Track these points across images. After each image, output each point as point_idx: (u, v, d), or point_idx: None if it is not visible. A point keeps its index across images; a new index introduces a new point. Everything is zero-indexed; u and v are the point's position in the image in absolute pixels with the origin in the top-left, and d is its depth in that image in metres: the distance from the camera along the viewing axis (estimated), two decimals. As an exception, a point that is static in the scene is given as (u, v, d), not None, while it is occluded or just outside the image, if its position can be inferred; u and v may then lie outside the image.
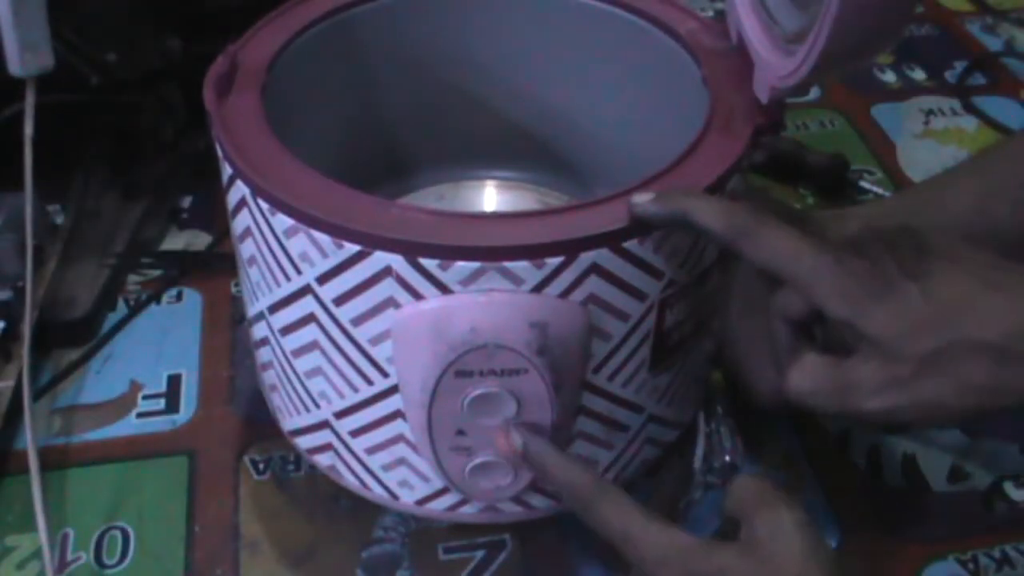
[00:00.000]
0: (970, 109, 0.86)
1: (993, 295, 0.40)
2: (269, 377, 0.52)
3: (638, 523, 0.41)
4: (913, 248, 0.42)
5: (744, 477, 0.42)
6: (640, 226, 0.41)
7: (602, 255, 0.41)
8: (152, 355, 0.64)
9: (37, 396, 0.61)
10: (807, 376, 0.43)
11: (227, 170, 0.45)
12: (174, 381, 0.62)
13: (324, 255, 0.42)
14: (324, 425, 0.49)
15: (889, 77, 0.91)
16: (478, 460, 0.46)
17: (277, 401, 0.52)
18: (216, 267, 0.70)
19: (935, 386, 0.40)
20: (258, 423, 0.59)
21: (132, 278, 0.70)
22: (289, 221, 0.42)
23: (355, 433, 0.48)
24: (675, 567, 0.40)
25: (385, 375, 0.44)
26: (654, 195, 0.41)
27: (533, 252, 0.40)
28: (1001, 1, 1.01)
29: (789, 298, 0.43)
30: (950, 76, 0.91)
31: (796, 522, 0.39)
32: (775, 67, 0.45)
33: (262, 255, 0.45)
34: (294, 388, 0.49)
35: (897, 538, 0.55)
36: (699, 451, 0.57)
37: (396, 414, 0.46)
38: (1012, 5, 1.00)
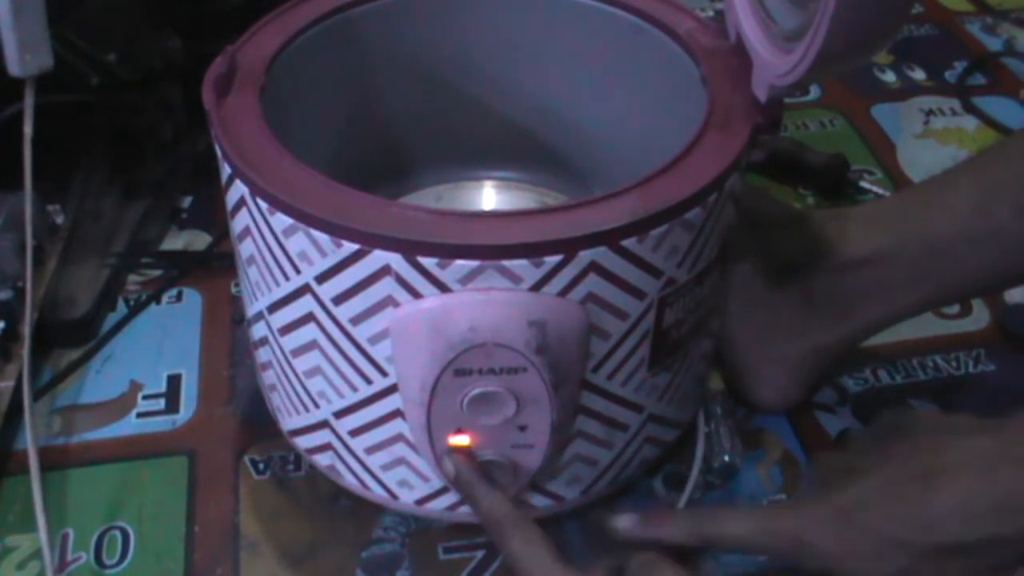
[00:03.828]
0: (970, 109, 0.86)
1: (931, 496, 0.41)
2: (268, 377, 0.52)
3: (543, 564, 0.42)
4: (855, 470, 0.44)
5: (643, 555, 0.44)
6: (638, 225, 0.41)
7: (601, 253, 0.41)
8: (152, 355, 0.64)
9: (37, 396, 0.61)
10: None
11: (226, 170, 0.45)
12: (174, 381, 0.62)
13: (323, 254, 0.42)
14: (323, 425, 0.49)
15: (889, 77, 0.91)
16: (477, 459, 0.46)
17: (276, 401, 0.52)
18: (216, 267, 0.70)
19: None
20: (258, 423, 0.59)
21: (132, 278, 0.70)
22: (288, 220, 0.42)
23: (354, 433, 0.48)
24: None
25: (384, 374, 0.44)
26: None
27: (532, 250, 0.40)
28: (1001, 1, 1.01)
29: None
30: (950, 76, 0.91)
31: None
32: (773, 66, 0.45)
33: (261, 255, 0.45)
34: (293, 388, 0.49)
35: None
36: (699, 451, 0.57)
37: (395, 413, 0.46)
38: (1012, 5, 1.00)
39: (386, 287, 0.41)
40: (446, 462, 0.46)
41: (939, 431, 0.45)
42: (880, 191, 0.77)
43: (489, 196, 0.65)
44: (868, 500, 0.43)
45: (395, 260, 0.40)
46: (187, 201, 0.76)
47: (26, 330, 0.57)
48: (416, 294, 0.41)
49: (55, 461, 0.57)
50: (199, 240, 0.73)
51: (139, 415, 0.61)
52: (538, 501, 0.50)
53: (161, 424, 0.60)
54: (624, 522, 0.47)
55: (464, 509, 0.49)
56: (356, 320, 0.43)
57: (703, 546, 0.47)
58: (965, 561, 0.41)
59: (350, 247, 0.41)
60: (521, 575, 0.43)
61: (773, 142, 0.78)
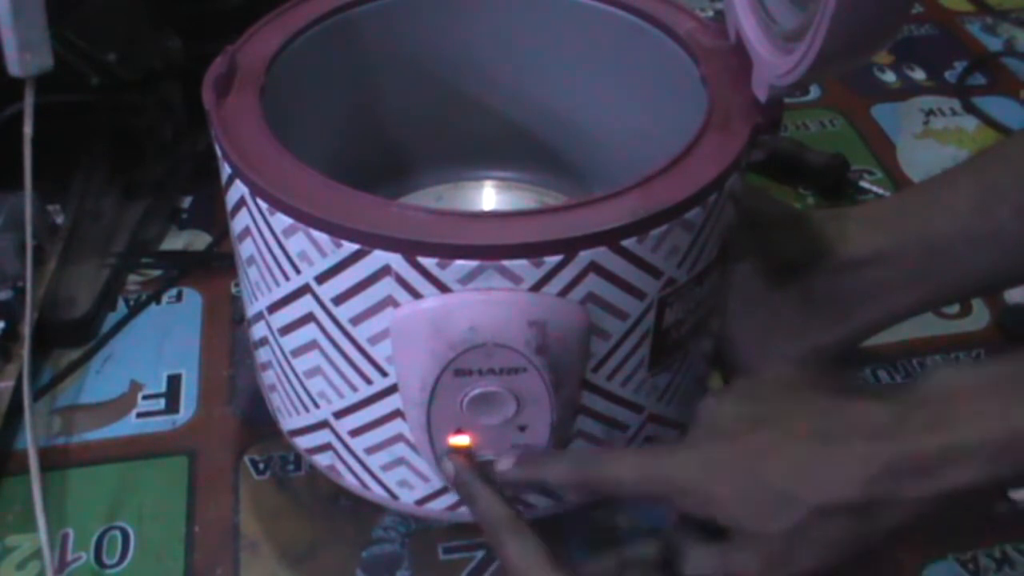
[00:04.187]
0: (970, 109, 0.86)
1: (826, 455, 0.41)
2: (268, 377, 0.52)
3: (537, 567, 0.42)
4: (748, 419, 0.43)
5: None
6: (638, 225, 0.41)
7: (601, 253, 0.41)
8: (152, 355, 0.64)
9: (37, 396, 0.61)
10: (694, 566, 0.44)
11: (226, 170, 0.45)
12: (174, 381, 0.62)
13: (323, 254, 0.42)
14: (323, 425, 0.49)
15: (889, 77, 0.91)
16: (477, 460, 0.46)
17: (276, 401, 0.52)
18: (216, 267, 0.70)
19: (811, 555, 0.41)
20: (258, 423, 0.59)
21: (132, 278, 0.70)
22: (288, 220, 0.42)
23: (354, 433, 0.48)
24: None
25: (384, 374, 0.44)
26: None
27: (532, 251, 0.40)
28: (1001, 1, 1.01)
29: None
30: (950, 76, 0.91)
31: None
32: (773, 66, 0.45)
33: (261, 255, 0.45)
34: (293, 388, 0.49)
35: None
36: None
37: (395, 413, 0.46)
38: (1012, 5, 1.00)
39: (386, 287, 0.41)
40: (445, 462, 0.46)
41: (836, 393, 0.44)
42: (880, 191, 0.77)
43: (489, 196, 0.65)
44: (764, 452, 0.42)
45: (395, 260, 0.40)
46: (187, 201, 0.76)
47: (26, 330, 0.58)
48: (416, 294, 0.41)
49: (55, 461, 0.57)
50: (199, 240, 0.73)
51: (139, 415, 0.61)
52: (538, 501, 0.50)
53: (161, 424, 0.60)
54: (503, 464, 0.46)
55: (464, 509, 0.49)
56: (356, 320, 0.43)
57: (587, 490, 0.46)
58: (859, 522, 0.40)
59: (350, 247, 0.41)
60: None
61: (773, 142, 0.78)
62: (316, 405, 0.48)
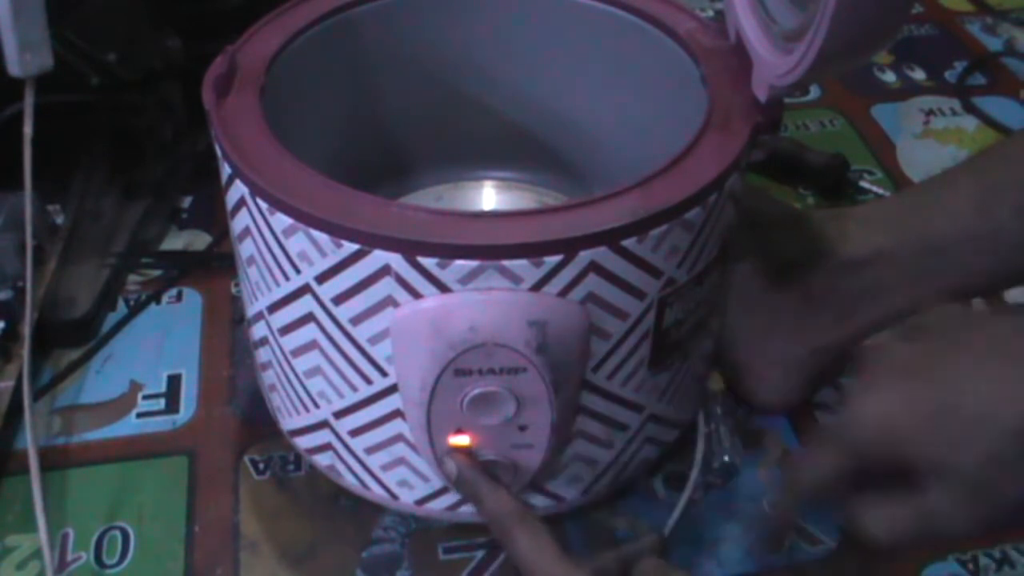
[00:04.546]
0: (970, 109, 0.86)
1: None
2: (268, 377, 0.52)
3: (548, 559, 0.42)
4: (927, 353, 0.41)
5: (648, 561, 0.43)
6: (638, 225, 0.41)
7: (601, 253, 0.41)
8: (152, 355, 0.64)
9: (37, 396, 0.61)
10: (883, 526, 0.42)
11: (226, 170, 0.45)
12: (174, 381, 0.62)
13: (323, 254, 0.42)
14: (323, 425, 0.49)
15: (889, 77, 0.91)
16: (477, 459, 0.46)
17: (276, 401, 0.52)
18: (216, 267, 0.70)
19: (1014, 484, 0.39)
20: (258, 423, 0.59)
21: (132, 278, 0.70)
22: (288, 220, 0.42)
23: (354, 433, 0.48)
24: None
25: (384, 374, 0.44)
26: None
27: (532, 250, 0.40)
28: (1001, 1, 1.01)
29: (827, 465, 0.43)
30: (950, 76, 0.91)
31: None
32: (773, 66, 0.45)
33: (261, 255, 0.45)
34: (293, 388, 0.49)
35: (897, 538, 0.55)
36: (699, 451, 0.57)
37: (395, 413, 0.46)
38: (1012, 5, 1.00)
39: (386, 287, 0.41)
40: (447, 462, 0.46)
41: (1012, 316, 0.43)
42: (880, 191, 0.77)
43: (489, 196, 0.65)
44: (954, 378, 0.40)
45: (395, 260, 0.40)
46: (187, 201, 0.76)
47: (26, 330, 0.57)
48: (416, 294, 0.41)
49: (55, 461, 0.57)
50: (199, 240, 0.73)
51: (139, 415, 0.61)
52: (538, 501, 0.50)
53: (161, 424, 0.60)
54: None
55: (464, 509, 0.49)
56: (356, 320, 0.43)
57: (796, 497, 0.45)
58: None
59: (350, 247, 0.41)
60: (527, 572, 0.43)
61: (773, 142, 0.78)
62: (316, 405, 0.48)
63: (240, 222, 0.46)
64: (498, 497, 0.45)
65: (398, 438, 0.47)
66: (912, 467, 0.40)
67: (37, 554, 0.53)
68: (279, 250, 0.43)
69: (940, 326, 0.43)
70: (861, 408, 0.42)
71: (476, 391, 0.43)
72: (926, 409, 0.40)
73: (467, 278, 0.40)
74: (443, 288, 0.41)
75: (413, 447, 0.47)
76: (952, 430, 0.39)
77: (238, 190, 0.44)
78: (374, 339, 0.43)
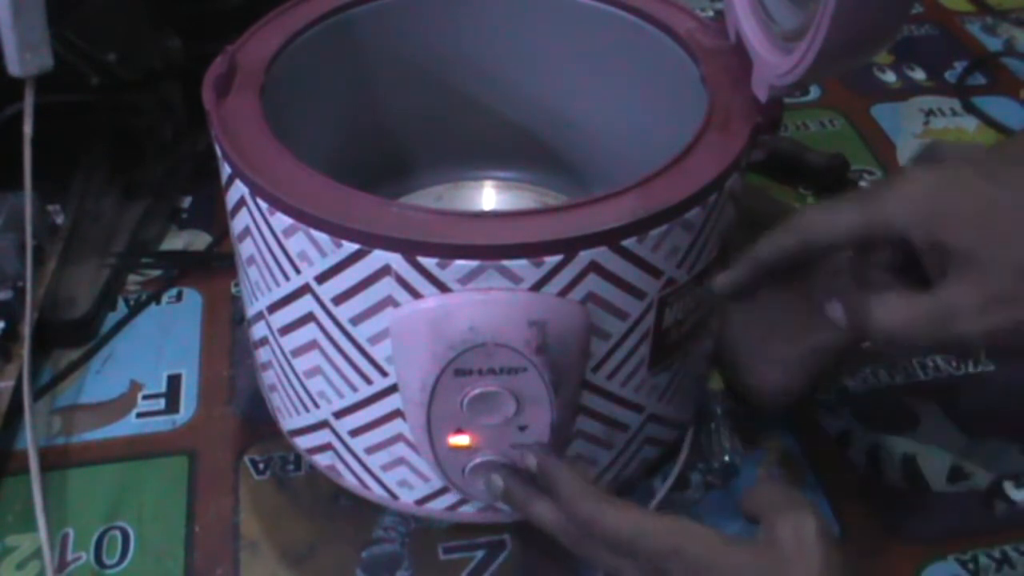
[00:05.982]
0: (970, 109, 0.86)
1: None
2: (268, 377, 0.52)
3: (643, 516, 0.41)
4: (994, 157, 0.40)
5: (768, 481, 0.41)
6: (638, 225, 0.41)
7: (601, 253, 0.41)
8: (152, 355, 0.64)
9: (37, 396, 0.61)
10: (895, 311, 0.40)
11: (226, 170, 0.45)
12: (174, 381, 0.62)
13: (323, 254, 0.42)
14: (323, 425, 0.49)
15: (889, 77, 0.91)
16: (478, 459, 0.46)
17: (276, 401, 0.52)
18: (216, 267, 0.70)
19: None
20: (258, 423, 0.59)
21: (132, 278, 0.70)
22: (288, 220, 0.42)
23: (354, 433, 0.48)
24: (688, 558, 0.39)
25: (384, 374, 0.44)
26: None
27: (532, 250, 0.40)
28: (1001, 1, 1.01)
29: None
30: (950, 76, 0.91)
31: (819, 531, 0.38)
32: (773, 66, 0.45)
33: (261, 254, 0.45)
34: (293, 388, 0.49)
35: (897, 538, 0.55)
36: (698, 451, 0.57)
37: (395, 413, 0.46)
38: (1012, 5, 1.00)
39: (386, 287, 0.41)
40: (493, 479, 0.46)
41: None
42: (880, 191, 0.77)
43: (489, 196, 0.65)
44: (1006, 175, 0.38)
45: (395, 260, 0.40)
46: (187, 201, 0.76)
47: (26, 330, 0.58)
48: (416, 294, 0.41)
49: (55, 461, 0.57)
50: (199, 240, 0.73)
51: (139, 415, 0.61)
52: (538, 501, 0.50)
53: (161, 424, 0.60)
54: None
55: (464, 509, 0.49)
56: (356, 320, 0.43)
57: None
58: None
59: (350, 247, 0.41)
60: (626, 540, 0.40)
61: (773, 142, 0.78)
62: (316, 405, 0.48)
63: (240, 222, 0.46)
64: (575, 483, 0.42)
65: (398, 438, 0.47)
66: (943, 252, 0.38)
67: (37, 554, 0.53)
68: (279, 250, 0.43)
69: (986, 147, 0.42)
70: (910, 182, 0.40)
71: (476, 391, 0.43)
72: (980, 197, 0.38)
73: (467, 278, 0.40)
74: (443, 288, 0.41)
75: (413, 447, 0.47)
76: (1004, 225, 0.38)
77: (238, 190, 0.44)
78: (374, 339, 0.43)
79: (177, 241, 0.73)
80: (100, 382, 0.63)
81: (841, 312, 0.42)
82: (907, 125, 0.85)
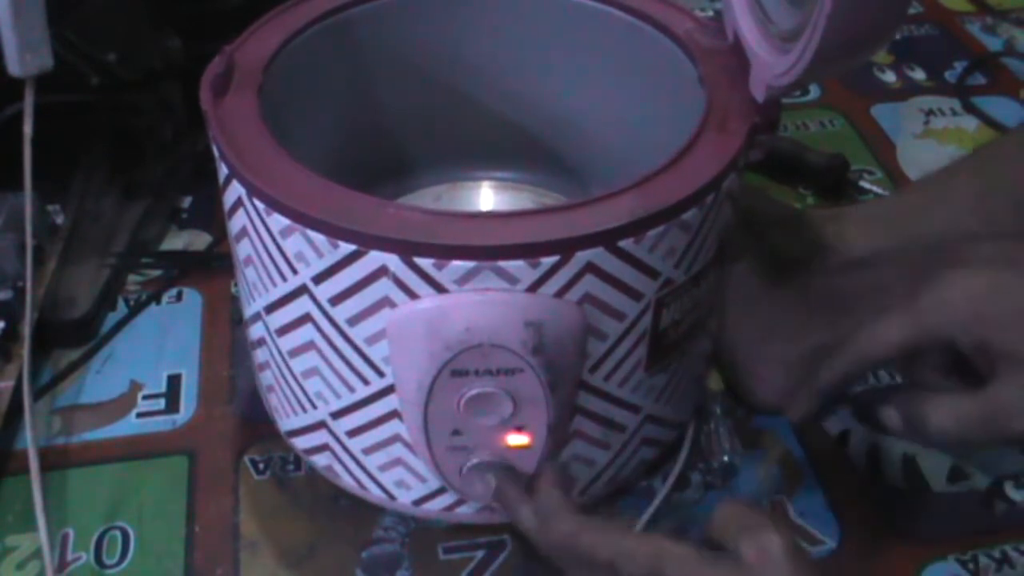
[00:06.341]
0: (970, 109, 0.86)
1: None
2: (266, 377, 0.52)
3: (621, 537, 0.41)
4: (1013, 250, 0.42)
5: (728, 502, 0.41)
6: (635, 225, 0.41)
7: (598, 254, 0.41)
8: (152, 355, 0.64)
9: (37, 396, 0.61)
10: (948, 415, 0.42)
11: (223, 170, 0.45)
12: (174, 381, 0.63)
13: (320, 255, 0.42)
14: (321, 425, 0.49)
15: (889, 77, 0.90)
16: (475, 460, 0.46)
17: (274, 401, 0.52)
18: (216, 267, 0.70)
19: None
20: (258, 423, 0.59)
21: (132, 278, 0.70)
22: (285, 221, 0.42)
23: (352, 433, 0.48)
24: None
25: (381, 375, 0.44)
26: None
27: (528, 251, 0.40)
28: (1001, 1, 1.01)
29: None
30: (950, 76, 0.90)
31: (785, 548, 0.38)
32: (771, 66, 0.45)
33: (258, 255, 0.45)
34: (291, 388, 0.49)
35: (897, 538, 0.55)
36: (698, 451, 0.57)
37: (392, 414, 0.46)
38: (1012, 5, 1.00)
39: (383, 288, 0.41)
40: (488, 478, 0.46)
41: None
42: (880, 191, 0.77)
43: (487, 196, 0.65)
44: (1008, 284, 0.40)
45: (392, 261, 0.40)
46: (187, 201, 0.76)
47: (26, 330, 0.58)
48: (413, 295, 0.41)
49: (55, 461, 0.57)
50: (199, 240, 0.73)
51: (139, 415, 0.61)
52: (536, 501, 0.50)
53: (161, 424, 0.60)
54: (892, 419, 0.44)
55: (462, 509, 0.49)
56: (353, 321, 0.43)
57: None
58: None
59: (347, 248, 0.41)
60: (608, 558, 0.40)
61: (773, 142, 0.78)
62: (313, 405, 0.48)
63: (237, 222, 0.46)
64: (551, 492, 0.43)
65: (395, 439, 0.47)
66: (991, 354, 0.40)
67: (37, 554, 0.53)
68: (276, 250, 0.43)
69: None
70: (952, 289, 0.41)
71: (473, 392, 0.43)
72: (1020, 299, 0.40)
73: (464, 279, 0.40)
74: (440, 289, 0.41)
75: (410, 448, 0.47)
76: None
77: (235, 190, 0.44)
78: (371, 340, 0.43)
79: (177, 241, 0.73)
80: (100, 382, 0.63)
81: (897, 420, 0.44)
82: (907, 125, 0.84)
